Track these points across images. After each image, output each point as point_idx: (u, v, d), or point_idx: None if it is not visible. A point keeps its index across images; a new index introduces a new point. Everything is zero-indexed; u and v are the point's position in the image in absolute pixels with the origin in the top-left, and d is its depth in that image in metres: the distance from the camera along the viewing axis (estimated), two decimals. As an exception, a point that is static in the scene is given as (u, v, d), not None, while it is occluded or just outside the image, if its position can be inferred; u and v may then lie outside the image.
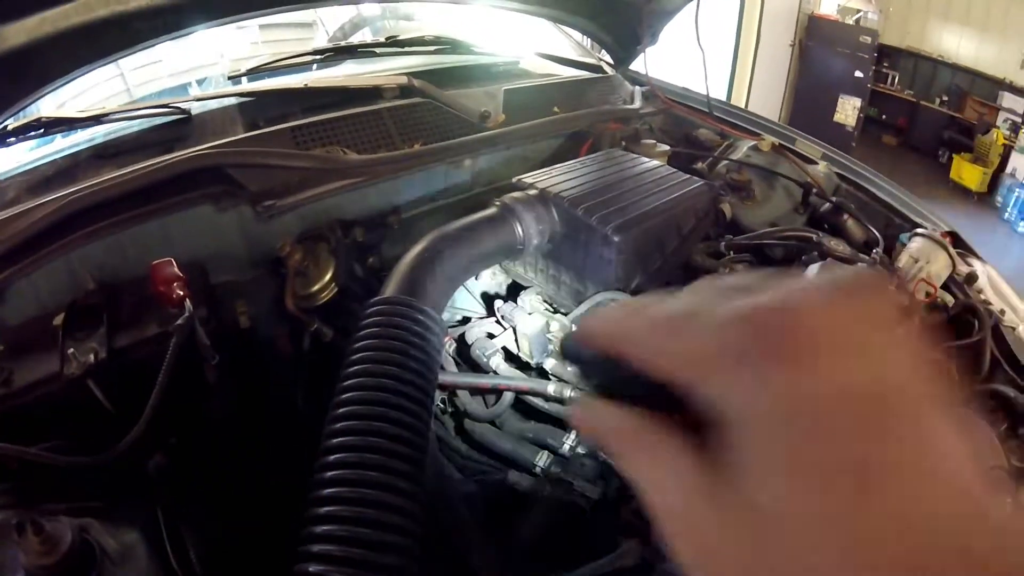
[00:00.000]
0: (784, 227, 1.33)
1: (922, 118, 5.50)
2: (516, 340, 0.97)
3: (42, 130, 1.18)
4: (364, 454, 0.58)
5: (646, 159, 1.18)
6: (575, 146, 1.35)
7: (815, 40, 5.24)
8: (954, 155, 5.43)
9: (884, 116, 5.70)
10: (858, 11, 5.03)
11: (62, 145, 1.21)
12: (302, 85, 1.14)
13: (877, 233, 1.39)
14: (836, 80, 5.19)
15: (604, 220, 0.88)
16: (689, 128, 1.78)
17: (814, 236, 1.23)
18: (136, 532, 0.70)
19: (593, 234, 0.89)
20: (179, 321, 0.75)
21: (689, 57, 1.72)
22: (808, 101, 5.37)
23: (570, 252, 0.94)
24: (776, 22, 4.86)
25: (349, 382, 0.63)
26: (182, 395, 0.78)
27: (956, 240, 1.47)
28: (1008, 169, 5.20)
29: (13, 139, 1.16)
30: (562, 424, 0.95)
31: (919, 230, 1.34)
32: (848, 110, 5.15)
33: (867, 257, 1.25)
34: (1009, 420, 1.02)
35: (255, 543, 0.81)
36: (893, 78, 5.56)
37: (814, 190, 1.53)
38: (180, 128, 1.15)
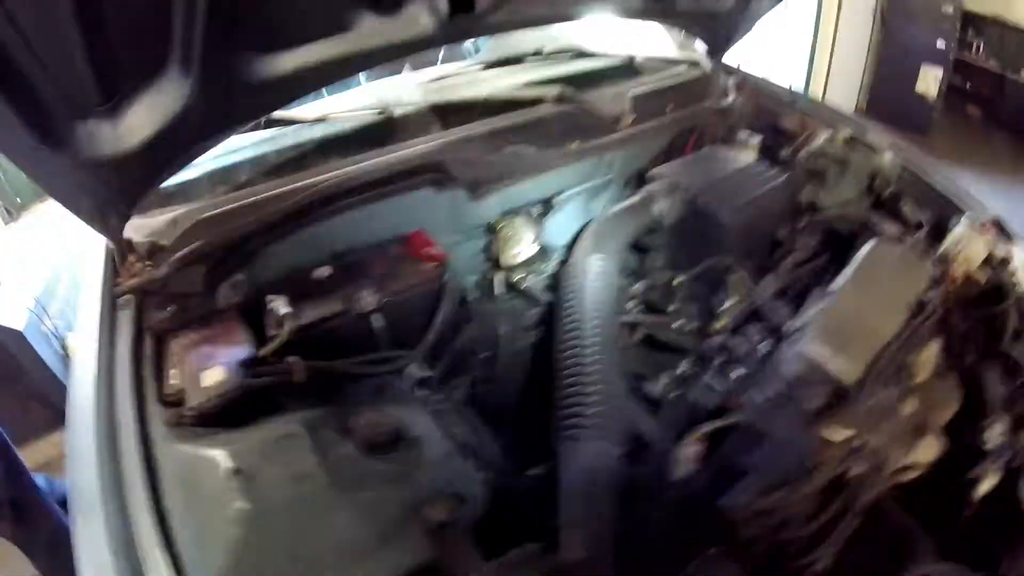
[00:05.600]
0: (849, 210, 1.72)
1: (1009, 91, 5.44)
2: None
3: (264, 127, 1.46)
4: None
5: (743, 154, 1.61)
6: (683, 138, 1.79)
7: (897, 8, 5.27)
8: (1041, 132, 5.35)
9: (968, 86, 5.68)
10: (946, -24, 5.01)
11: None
12: (484, 96, 1.58)
13: (923, 217, 1.73)
14: (918, 50, 5.23)
15: (719, 208, 1.34)
16: (773, 117, 2.16)
17: (871, 219, 1.61)
18: (428, 420, 1.11)
19: (710, 218, 1.34)
20: (445, 275, 1.24)
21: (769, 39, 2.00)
22: (890, 71, 5.42)
23: (690, 228, 1.40)
24: (858, -10, 4.95)
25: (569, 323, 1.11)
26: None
27: (999, 227, 1.81)
28: (1097, 149, 5.14)
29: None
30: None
31: (965, 217, 1.67)
32: (930, 81, 5.19)
33: (913, 238, 1.60)
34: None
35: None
36: (978, 46, 5.50)
37: (879, 178, 1.89)
38: (385, 125, 1.53)
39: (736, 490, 1.03)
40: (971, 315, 1.55)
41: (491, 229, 1.47)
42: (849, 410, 1.12)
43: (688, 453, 1.06)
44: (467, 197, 1.43)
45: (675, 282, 1.38)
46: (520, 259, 1.47)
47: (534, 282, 1.51)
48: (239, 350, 1.13)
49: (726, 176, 1.45)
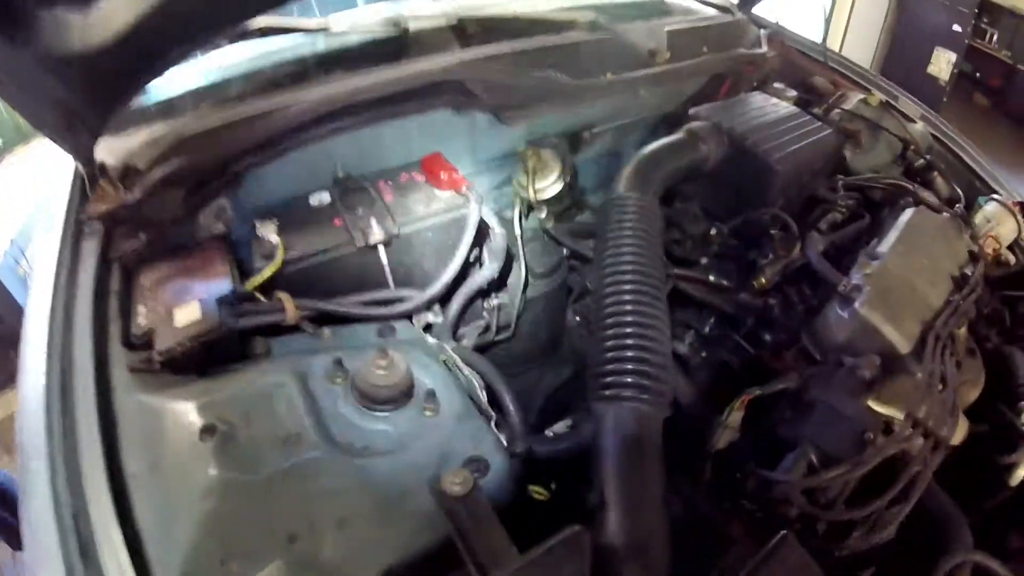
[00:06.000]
0: (886, 175, 1.62)
1: (1018, 83, 5.43)
2: None
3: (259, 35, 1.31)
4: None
5: (784, 103, 1.48)
6: (715, 84, 1.64)
7: (915, -14, 5.19)
8: (1046, 128, 5.34)
9: (978, 74, 5.64)
10: (965, -43, 4.91)
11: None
12: (512, 13, 1.41)
13: (960, 192, 1.66)
14: (933, 31, 5.16)
15: (768, 152, 1.21)
16: (803, 73, 2.03)
17: (910, 186, 1.52)
18: (442, 371, 0.97)
19: (758, 162, 1.21)
20: (472, 203, 1.10)
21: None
22: (903, 49, 5.37)
23: (732, 173, 1.26)
24: (877, -37, 4.84)
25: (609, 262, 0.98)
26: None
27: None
28: (1100, 147, 5.15)
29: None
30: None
31: (995, 196, 1.61)
32: (942, 63, 5.14)
33: (950, 210, 1.52)
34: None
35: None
36: (992, 35, 5.46)
37: (911, 147, 1.79)
38: (397, 40, 1.35)
39: (784, 464, 0.93)
40: (996, 296, 1.49)
41: (516, 159, 1.31)
42: (903, 382, 1.02)
43: (735, 420, 0.95)
44: (490, 122, 1.27)
45: (712, 232, 1.25)
46: (546, 195, 1.33)
47: (558, 225, 1.37)
48: (219, 284, 0.98)
49: (773, 122, 1.32)
